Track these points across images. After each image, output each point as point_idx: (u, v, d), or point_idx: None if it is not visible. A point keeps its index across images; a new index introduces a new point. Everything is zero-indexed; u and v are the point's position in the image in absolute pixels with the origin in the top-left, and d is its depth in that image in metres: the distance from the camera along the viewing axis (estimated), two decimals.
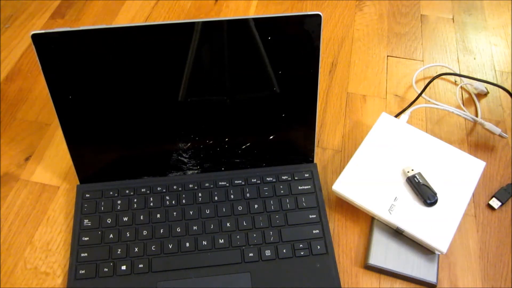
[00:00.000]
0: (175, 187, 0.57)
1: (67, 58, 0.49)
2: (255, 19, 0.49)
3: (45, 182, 0.60)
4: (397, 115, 0.66)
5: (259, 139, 0.58)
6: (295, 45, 0.51)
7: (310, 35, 0.50)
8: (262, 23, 0.49)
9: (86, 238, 0.53)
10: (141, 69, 0.50)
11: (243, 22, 0.49)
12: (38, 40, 0.47)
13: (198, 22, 0.48)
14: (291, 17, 0.49)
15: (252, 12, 0.80)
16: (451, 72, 0.72)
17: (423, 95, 0.67)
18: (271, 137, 0.57)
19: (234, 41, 0.50)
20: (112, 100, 0.52)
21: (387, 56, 0.75)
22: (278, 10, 0.81)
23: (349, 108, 0.68)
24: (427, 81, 0.71)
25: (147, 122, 0.54)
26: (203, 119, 0.55)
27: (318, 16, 0.49)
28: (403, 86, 0.71)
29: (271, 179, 0.58)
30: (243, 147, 0.58)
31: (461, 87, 0.70)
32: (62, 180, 0.60)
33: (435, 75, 0.72)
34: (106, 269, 0.51)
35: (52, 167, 0.61)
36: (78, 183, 0.57)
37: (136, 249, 0.52)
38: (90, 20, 0.78)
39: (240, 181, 0.57)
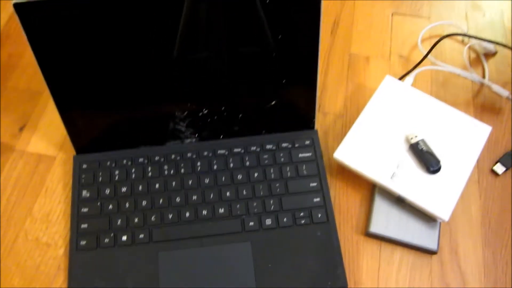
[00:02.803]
0: (173, 156, 0.56)
1: (52, 25, 0.46)
2: None
3: (41, 152, 0.59)
4: (401, 78, 0.63)
5: (258, 105, 0.56)
6: (294, 5, 0.48)
7: (309, 7, 0.47)
8: None
9: (85, 209, 0.53)
10: (132, 30, 0.48)
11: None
12: (21, 9, 0.44)
13: None
14: None
15: None
16: (458, 32, 0.69)
17: (428, 56, 0.65)
18: (271, 103, 0.55)
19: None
20: (103, 65, 0.50)
21: (392, 13, 0.71)
22: None
23: (351, 71, 0.66)
24: (433, 40, 0.68)
25: (142, 88, 0.52)
26: (199, 85, 0.53)
27: None
28: (408, 46, 0.68)
29: (271, 146, 0.56)
30: (241, 114, 0.56)
31: (469, 47, 0.67)
32: (58, 150, 0.59)
33: (441, 34, 0.68)
34: (106, 240, 0.51)
35: (48, 136, 0.60)
36: (74, 151, 0.56)
37: (136, 220, 0.52)
38: None
39: (239, 149, 0.56)
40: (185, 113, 0.55)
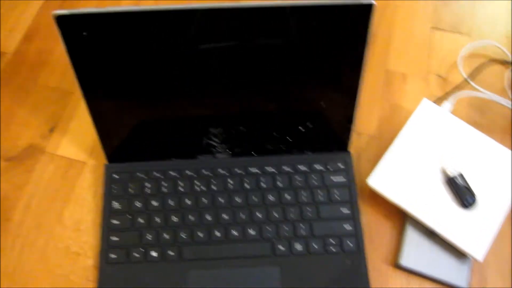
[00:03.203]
0: (204, 171, 0.55)
1: (90, 35, 0.44)
2: (293, 8, 0.43)
3: (71, 157, 0.58)
4: (439, 99, 0.62)
5: (293, 125, 0.55)
6: (339, 35, 0.46)
7: (357, 26, 0.45)
8: (302, 12, 0.44)
9: (116, 222, 0.53)
10: (173, 42, 0.46)
11: (279, 10, 0.44)
12: (63, 22, 0.43)
13: (234, 8, 0.43)
14: (336, 7, 0.44)
15: None
16: (500, 53, 0.67)
17: (468, 79, 0.63)
18: (306, 122, 0.54)
19: (269, 28, 0.45)
20: (140, 76, 0.49)
21: (431, 27, 0.69)
22: None
23: (387, 88, 0.64)
24: (473, 60, 0.66)
25: (178, 101, 0.52)
26: (236, 102, 0.52)
27: (369, 6, 0.44)
28: (447, 64, 0.66)
29: (304, 168, 0.56)
30: (276, 132, 0.55)
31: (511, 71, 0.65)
32: (89, 155, 0.58)
33: (482, 53, 0.66)
34: (136, 255, 0.51)
35: (78, 140, 0.59)
36: (105, 159, 0.56)
37: (166, 236, 0.52)
38: None
39: (272, 169, 0.56)
40: (220, 128, 0.54)
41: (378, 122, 0.62)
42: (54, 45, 0.66)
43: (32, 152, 0.58)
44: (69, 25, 0.43)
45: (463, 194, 0.52)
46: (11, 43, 0.66)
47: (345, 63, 0.49)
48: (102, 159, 0.57)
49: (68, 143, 0.59)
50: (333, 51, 0.47)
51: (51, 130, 0.60)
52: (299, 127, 0.55)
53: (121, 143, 0.55)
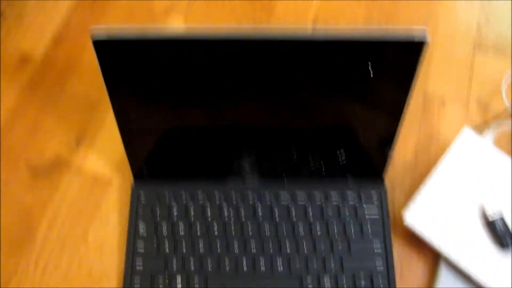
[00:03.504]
0: (234, 197, 0.54)
1: (127, 60, 0.43)
2: (343, 42, 0.41)
3: (98, 173, 0.57)
4: (479, 127, 0.59)
5: (329, 151, 0.53)
6: (388, 68, 0.43)
7: (408, 61, 0.43)
8: (352, 45, 0.41)
9: (141, 247, 0.52)
10: (204, 69, 0.44)
11: (330, 45, 0.41)
12: (101, 46, 0.41)
13: (279, 40, 0.41)
14: (389, 43, 0.41)
15: (314, 7, 0.68)
16: None
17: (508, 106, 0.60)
18: (343, 149, 0.52)
19: (314, 60, 0.43)
20: (173, 100, 0.47)
21: (474, 48, 0.65)
22: (343, 5, 0.69)
23: (425, 114, 0.61)
24: None
25: (211, 125, 0.50)
26: (272, 127, 0.50)
27: (422, 44, 0.41)
28: (489, 90, 0.63)
29: (336, 197, 0.54)
30: (310, 159, 0.53)
31: None
32: (116, 172, 0.57)
33: None
34: (161, 282, 0.50)
35: (105, 155, 0.58)
36: (132, 176, 0.54)
37: (192, 264, 0.51)
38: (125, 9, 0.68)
39: (303, 199, 0.54)
40: (253, 152, 0.52)
41: (414, 150, 0.59)
42: (83, 50, 0.64)
43: (58, 165, 0.57)
44: (107, 48, 0.41)
45: (503, 236, 0.50)
46: (39, 47, 0.64)
47: (391, 94, 0.46)
48: (129, 176, 0.55)
49: (94, 157, 0.58)
50: (380, 82, 0.45)
51: (78, 142, 0.58)
52: (336, 154, 0.53)
53: (150, 162, 0.53)
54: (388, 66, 0.43)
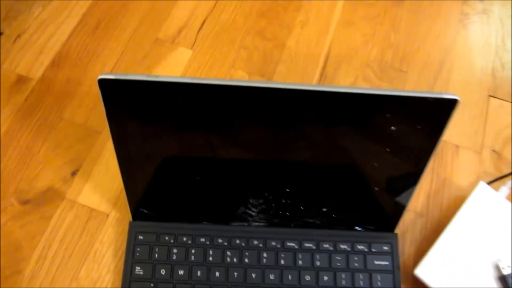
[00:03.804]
0: (238, 241, 0.51)
1: (131, 101, 0.40)
2: (374, 96, 0.39)
3: (93, 207, 0.53)
4: (494, 181, 0.57)
5: (340, 202, 0.50)
6: (416, 123, 0.41)
7: (437, 117, 0.41)
8: (381, 99, 0.39)
9: None
10: (215, 119, 0.42)
11: (358, 97, 0.39)
12: (106, 86, 0.38)
13: (301, 90, 0.39)
14: (421, 99, 0.39)
15: (337, 13, 0.68)
16: None
17: None
18: (356, 200, 0.50)
19: (336, 111, 0.41)
20: (178, 142, 0.44)
21: (489, 95, 0.64)
22: (368, 13, 0.68)
23: (439, 160, 0.59)
24: None
25: (216, 167, 0.47)
26: (282, 175, 0.48)
27: (454, 101, 0.39)
28: (504, 139, 0.61)
29: (345, 247, 0.51)
30: (322, 208, 0.50)
31: None
32: (112, 206, 0.54)
33: None
34: None
35: (101, 187, 0.55)
36: (129, 212, 0.51)
37: None
38: (135, 21, 0.66)
39: (311, 245, 0.51)
40: (260, 201, 0.50)
41: (426, 198, 0.57)
42: (83, 75, 0.61)
43: (51, 196, 0.54)
44: (112, 88, 0.38)
45: None
46: (38, 69, 0.61)
47: (416, 148, 0.44)
48: (126, 212, 0.52)
49: (90, 190, 0.54)
50: (406, 136, 0.43)
51: (74, 173, 0.55)
52: (348, 203, 0.50)
53: (149, 201, 0.50)
54: (418, 121, 0.41)
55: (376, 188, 0.49)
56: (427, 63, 0.65)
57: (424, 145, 0.43)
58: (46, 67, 0.61)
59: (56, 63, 0.61)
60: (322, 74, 0.63)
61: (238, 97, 0.40)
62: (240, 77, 0.62)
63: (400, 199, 0.49)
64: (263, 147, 0.45)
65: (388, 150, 0.44)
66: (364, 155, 0.45)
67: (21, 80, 0.60)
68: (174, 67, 0.62)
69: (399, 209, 0.50)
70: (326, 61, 0.64)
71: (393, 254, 0.51)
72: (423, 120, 0.41)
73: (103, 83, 0.38)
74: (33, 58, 0.61)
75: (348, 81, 0.62)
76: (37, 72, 0.61)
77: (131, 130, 0.43)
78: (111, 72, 0.38)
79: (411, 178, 0.46)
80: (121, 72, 0.61)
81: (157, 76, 0.38)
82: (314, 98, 0.40)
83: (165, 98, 0.40)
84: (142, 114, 0.41)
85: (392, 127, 0.42)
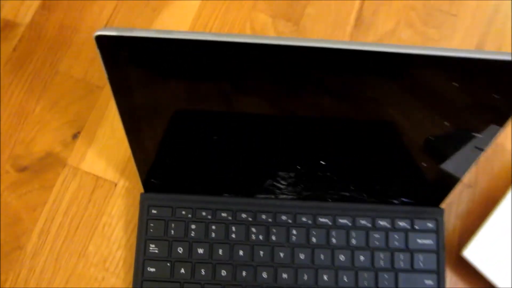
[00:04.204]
0: (264, 216, 0.45)
1: (142, 66, 0.32)
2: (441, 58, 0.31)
3: (99, 174, 0.47)
4: None
5: (383, 174, 0.44)
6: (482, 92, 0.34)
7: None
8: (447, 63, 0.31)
9: (152, 269, 0.43)
10: (239, 81, 0.34)
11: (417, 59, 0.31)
12: (106, 44, 0.30)
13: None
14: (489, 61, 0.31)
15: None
16: None
17: None
18: (400, 172, 0.43)
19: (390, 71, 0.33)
20: (192, 107, 0.37)
21: None
22: None
23: None
24: None
25: (240, 129, 0.40)
26: (317, 145, 0.41)
27: None
28: None
29: (385, 223, 0.45)
30: (360, 180, 0.44)
31: None
32: (120, 173, 0.47)
33: None
34: None
35: (107, 152, 0.48)
36: (140, 181, 0.45)
37: None
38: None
39: (346, 221, 0.45)
40: (290, 174, 0.43)
41: (475, 167, 0.50)
42: (79, 19, 0.52)
43: (50, 163, 0.47)
44: (113, 47, 0.30)
45: None
46: (26, 12, 0.52)
47: (485, 115, 0.37)
48: (137, 180, 0.46)
49: (95, 154, 0.48)
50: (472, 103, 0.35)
51: (75, 136, 0.48)
52: (390, 174, 0.44)
53: (163, 169, 0.44)
54: (487, 86, 0.33)
55: (427, 158, 0.42)
56: (480, 5, 0.56)
57: (494, 112, 0.36)
58: (36, 9, 0.52)
59: (46, 5, 0.52)
60: (357, 18, 0.53)
61: (262, 56, 0.32)
62: (262, 22, 0.53)
63: (454, 170, 0.42)
64: (293, 107, 0.38)
65: (447, 116, 0.37)
66: (413, 116, 0.38)
67: (7, 26, 0.51)
68: (185, 10, 0.53)
69: (451, 182, 0.43)
70: (362, 2, 0.54)
71: (438, 232, 0.46)
72: (494, 85, 0.33)
73: (102, 41, 0.30)
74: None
75: (388, 26, 0.53)
76: (26, 16, 0.52)
77: (137, 92, 0.35)
78: (111, 27, 0.29)
79: (474, 147, 0.39)
80: (123, 16, 0.52)
81: (166, 32, 0.30)
82: (355, 58, 0.32)
83: (177, 56, 0.32)
84: (150, 73, 0.34)
85: (455, 85, 0.34)
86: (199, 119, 0.40)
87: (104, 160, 0.48)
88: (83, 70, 0.50)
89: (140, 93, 0.35)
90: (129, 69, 0.33)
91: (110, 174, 0.47)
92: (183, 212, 0.45)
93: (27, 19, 0.52)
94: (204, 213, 0.45)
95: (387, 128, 0.39)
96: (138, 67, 0.33)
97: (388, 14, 0.54)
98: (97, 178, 0.47)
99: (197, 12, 0.53)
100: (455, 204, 0.49)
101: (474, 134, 0.37)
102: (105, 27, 0.29)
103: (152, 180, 0.44)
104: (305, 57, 0.31)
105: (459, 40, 0.53)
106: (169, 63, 0.33)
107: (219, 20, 0.53)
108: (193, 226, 0.44)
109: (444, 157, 0.41)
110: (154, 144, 0.41)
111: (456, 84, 0.33)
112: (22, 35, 0.51)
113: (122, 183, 0.47)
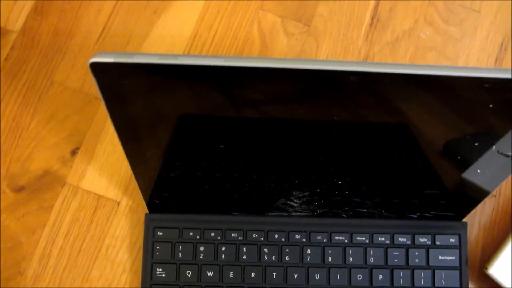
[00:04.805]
0: (276, 236, 0.42)
1: (144, 91, 0.29)
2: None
3: (100, 193, 0.45)
4: None
5: (403, 187, 0.41)
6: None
7: None
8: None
9: None
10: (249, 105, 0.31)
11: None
12: (102, 71, 0.27)
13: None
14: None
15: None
16: None
17: None
18: (422, 185, 0.41)
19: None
20: (197, 119, 0.34)
21: None
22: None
23: None
24: None
25: (248, 144, 0.37)
26: (333, 158, 0.38)
27: None
28: None
29: (404, 240, 0.43)
30: (379, 196, 0.41)
31: None
32: (123, 191, 0.45)
33: None
34: None
35: (108, 169, 0.45)
36: (144, 201, 0.43)
37: None
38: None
39: (363, 239, 0.43)
40: (305, 193, 0.40)
41: None
42: (75, 24, 0.48)
43: (49, 182, 0.45)
44: (110, 74, 0.27)
45: None
46: (18, 17, 0.48)
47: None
48: (140, 198, 0.43)
49: (95, 171, 0.45)
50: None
51: (74, 152, 0.45)
52: (410, 187, 0.41)
53: (167, 188, 0.41)
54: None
55: (450, 168, 0.39)
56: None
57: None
58: (28, 14, 0.48)
59: (39, 9, 0.49)
60: (373, 16, 0.50)
61: (274, 80, 0.28)
62: (270, 23, 0.49)
63: (485, 183, 0.39)
64: (308, 118, 0.35)
65: (477, 127, 0.34)
66: (437, 125, 0.35)
67: None
68: (187, 11, 0.49)
69: (479, 195, 0.40)
70: None
71: (461, 247, 0.43)
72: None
73: (97, 68, 0.27)
74: (10, 3, 0.49)
75: (406, 24, 0.50)
76: (17, 21, 0.48)
77: (136, 115, 0.32)
78: (107, 53, 0.26)
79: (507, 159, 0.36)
80: (122, 19, 0.48)
81: (170, 57, 0.26)
82: (369, 79, 0.28)
83: (181, 80, 0.29)
84: (150, 96, 0.31)
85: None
86: (204, 131, 0.37)
87: (105, 177, 0.45)
88: (80, 79, 0.47)
89: (139, 116, 0.32)
90: (127, 94, 0.30)
91: (112, 192, 0.45)
92: (191, 233, 0.42)
93: (19, 24, 0.48)
94: (212, 234, 0.42)
95: (406, 137, 0.36)
96: (137, 91, 0.30)
97: (406, 10, 0.50)
98: (99, 197, 0.45)
99: (201, 12, 0.49)
100: (477, 215, 0.46)
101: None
102: (99, 53, 0.26)
103: (156, 199, 0.42)
104: (318, 80, 0.28)
105: (482, 38, 0.49)
106: (171, 87, 0.29)
107: (225, 21, 0.49)
108: (201, 248, 0.42)
109: (474, 170, 0.38)
110: (155, 163, 0.38)
111: (483, 97, 0.30)
112: (14, 43, 0.48)
113: (125, 202, 0.45)
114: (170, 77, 0.28)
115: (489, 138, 0.35)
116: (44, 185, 0.44)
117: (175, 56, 0.26)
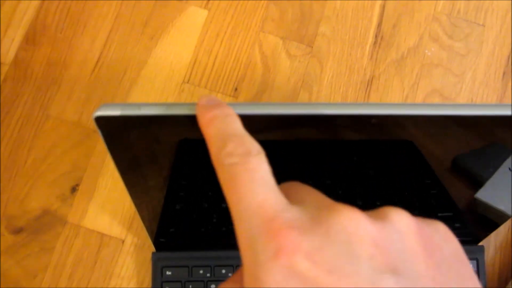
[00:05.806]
0: None
1: (151, 141, 0.28)
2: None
3: (104, 231, 0.43)
4: None
5: (414, 214, 0.40)
6: None
7: None
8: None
9: None
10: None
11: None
12: (107, 124, 0.25)
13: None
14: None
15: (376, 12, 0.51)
16: None
17: None
18: (433, 211, 0.39)
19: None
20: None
21: None
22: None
23: None
24: None
25: None
26: (350, 189, 0.37)
27: None
28: None
29: None
30: None
31: None
32: (127, 229, 0.43)
33: None
34: None
35: (110, 206, 0.43)
36: (149, 236, 0.41)
37: None
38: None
39: None
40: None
41: None
42: (69, 53, 0.46)
43: (49, 222, 0.43)
44: (115, 126, 0.26)
45: None
46: (9, 48, 0.46)
47: None
48: (146, 235, 0.42)
49: (97, 209, 0.43)
50: None
51: (74, 190, 0.44)
52: (425, 214, 0.40)
53: (174, 224, 0.39)
54: None
55: (467, 192, 0.38)
56: (510, 11, 0.51)
57: None
58: (19, 44, 0.46)
59: (30, 39, 0.47)
60: (377, 34, 0.48)
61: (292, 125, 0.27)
62: (272, 45, 0.48)
63: (506, 206, 0.38)
64: (321, 158, 0.33)
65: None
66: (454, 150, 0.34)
67: None
68: (185, 36, 0.47)
69: (499, 219, 0.39)
70: (381, 16, 0.49)
71: (478, 272, 0.42)
72: None
73: (102, 121, 0.25)
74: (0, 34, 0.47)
75: (411, 41, 0.48)
76: (8, 53, 0.46)
77: (143, 165, 0.31)
78: (112, 104, 0.24)
79: None
80: (118, 47, 0.47)
81: (178, 106, 0.25)
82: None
83: (190, 127, 0.27)
84: (157, 145, 0.29)
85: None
86: (207, 157, 0.35)
87: (108, 214, 0.43)
88: (77, 112, 0.45)
89: (146, 167, 0.30)
90: (133, 141, 0.28)
91: (116, 230, 0.43)
92: (201, 271, 0.40)
93: (10, 56, 0.46)
94: (223, 271, 0.41)
95: (420, 163, 0.35)
96: (143, 138, 0.28)
97: (410, 26, 0.49)
98: (102, 235, 0.43)
99: (199, 37, 0.48)
100: (492, 235, 0.45)
101: None
102: (104, 104, 0.24)
103: (162, 237, 0.40)
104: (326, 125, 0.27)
105: (488, 53, 0.48)
106: (179, 133, 0.28)
107: (224, 45, 0.47)
108: (212, 286, 0.40)
109: (487, 190, 0.37)
110: (159, 197, 0.37)
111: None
112: (6, 75, 0.46)
113: (130, 240, 0.43)
114: (179, 125, 0.27)
115: (497, 151, 0.34)
116: (44, 226, 0.42)
117: (185, 105, 0.25)
